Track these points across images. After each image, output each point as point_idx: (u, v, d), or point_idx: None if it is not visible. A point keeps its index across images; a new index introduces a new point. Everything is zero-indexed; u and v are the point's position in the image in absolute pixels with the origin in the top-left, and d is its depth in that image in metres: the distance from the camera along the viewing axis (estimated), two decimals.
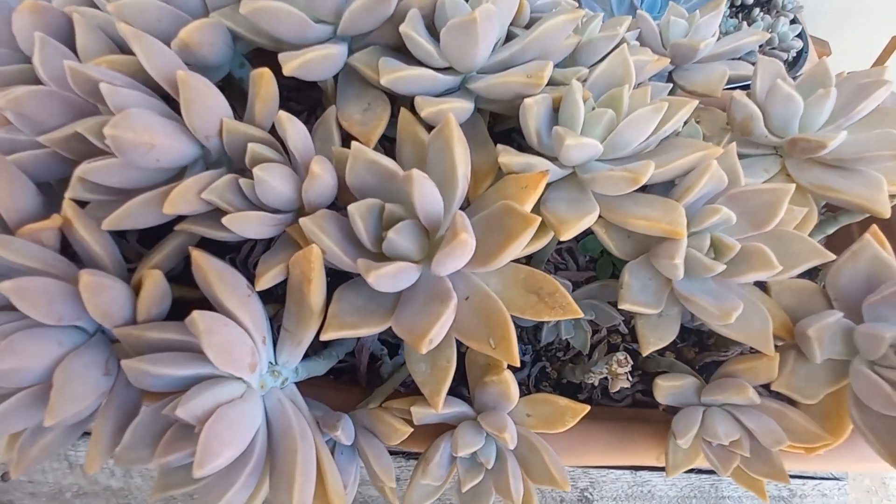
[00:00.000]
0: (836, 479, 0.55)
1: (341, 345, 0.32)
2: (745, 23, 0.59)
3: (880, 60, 0.62)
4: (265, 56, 0.29)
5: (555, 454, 0.24)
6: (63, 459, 0.45)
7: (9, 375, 0.19)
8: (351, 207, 0.21)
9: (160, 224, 0.24)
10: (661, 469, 0.54)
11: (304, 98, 0.41)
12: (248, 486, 0.20)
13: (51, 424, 0.19)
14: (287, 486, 0.20)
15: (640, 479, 0.52)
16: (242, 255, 0.37)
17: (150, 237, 0.30)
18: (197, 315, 0.18)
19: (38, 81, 0.30)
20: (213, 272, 0.20)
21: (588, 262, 0.42)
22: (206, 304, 0.21)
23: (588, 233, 0.42)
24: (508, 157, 0.23)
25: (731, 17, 0.61)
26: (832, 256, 0.25)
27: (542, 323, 0.36)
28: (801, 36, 0.57)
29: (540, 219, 0.20)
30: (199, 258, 0.20)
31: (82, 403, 0.20)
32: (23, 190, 0.23)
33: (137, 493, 0.45)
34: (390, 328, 0.22)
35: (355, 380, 0.35)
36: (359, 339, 0.34)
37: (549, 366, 0.39)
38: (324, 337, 0.21)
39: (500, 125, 0.35)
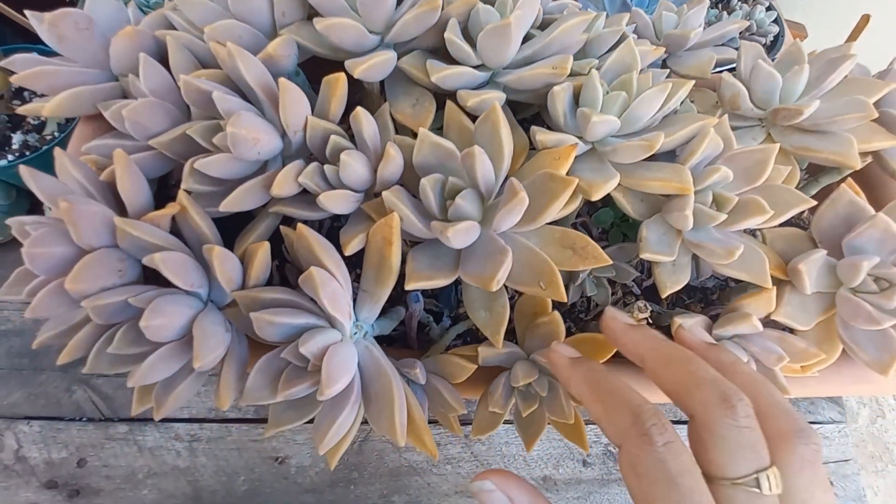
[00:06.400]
0: (835, 422, 0.60)
1: (397, 311, 0.36)
2: (724, 13, 0.64)
3: (851, 37, 0.68)
4: (312, 66, 0.33)
5: None
6: (133, 444, 0.49)
7: (158, 331, 0.24)
8: (423, 181, 0.26)
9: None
10: None
11: None
12: (353, 412, 0.25)
13: (198, 367, 0.23)
14: (388, 412, 0.24)
15: None
16: None
17: None
18: (314, 271, 0.23)
19: (125, 96, 0.34)
20: (316, 241, 0.25)
21: (601, 234, 0.47)
22: None
23: (600, 207, 0.47)
24: (543, 134, 0.28)
25: (712, 8, 0.67)
26: (813, 202, 0.30)
27: (568, 285, 0.41)
28: (777, 21, 0.62)
29: (577, 180, 0.25)
30: (306, 231, 0.25)
31: (217, 351, 0.24)
32: (141, 185, 0.27)
33: (203, 471, 0.49)
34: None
35: (407, 346, 0.40)
36: (408, 308, 0.38)
37: (573, 326, 0.44)
38: (408, 286, 0.25)
39: (520, 114, 0.40)
